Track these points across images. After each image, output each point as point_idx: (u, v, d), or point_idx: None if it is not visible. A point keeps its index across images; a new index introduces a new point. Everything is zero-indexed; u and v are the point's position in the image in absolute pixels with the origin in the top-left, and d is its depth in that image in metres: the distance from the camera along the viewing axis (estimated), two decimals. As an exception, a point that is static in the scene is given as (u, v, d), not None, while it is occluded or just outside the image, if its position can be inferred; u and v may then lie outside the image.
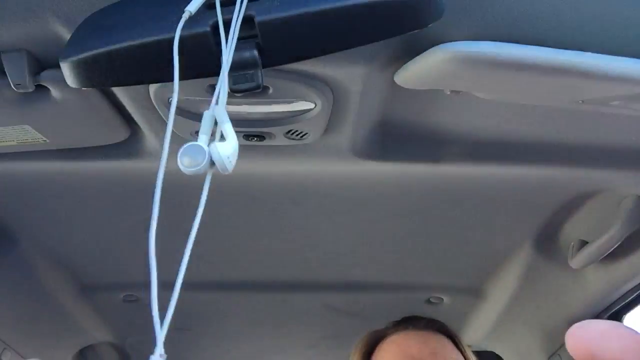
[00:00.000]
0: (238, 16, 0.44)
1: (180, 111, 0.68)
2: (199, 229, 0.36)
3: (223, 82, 0.42)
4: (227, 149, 0.39)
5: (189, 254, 0.35)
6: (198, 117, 0.42)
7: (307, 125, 0.72)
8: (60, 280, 1.22)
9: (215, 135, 0.40)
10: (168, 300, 0.34)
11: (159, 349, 0.31)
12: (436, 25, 0.50)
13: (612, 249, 0.96)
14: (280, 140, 0.75)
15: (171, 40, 0.44)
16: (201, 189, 0.38)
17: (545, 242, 1.06)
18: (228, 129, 0.40)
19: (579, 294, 1.13)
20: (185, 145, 0.38)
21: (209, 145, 0.39)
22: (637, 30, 0.59)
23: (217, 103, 0.41)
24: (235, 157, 0.40)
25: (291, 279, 1.25)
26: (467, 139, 0.79)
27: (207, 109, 0.41)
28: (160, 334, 0.32)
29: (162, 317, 0.33)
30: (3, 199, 0.94)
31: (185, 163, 0.38)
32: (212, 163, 0.39)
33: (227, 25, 0.45)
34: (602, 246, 0.96)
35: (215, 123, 0.41)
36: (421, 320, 1.08)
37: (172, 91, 0.42)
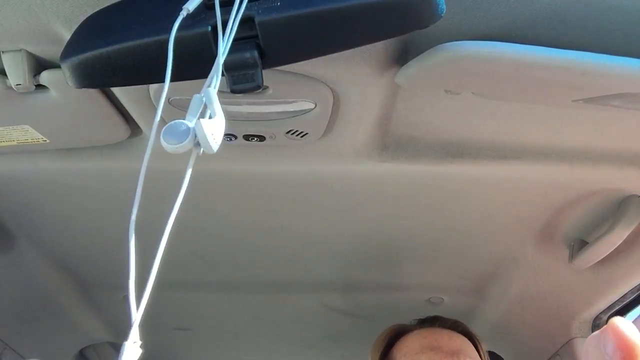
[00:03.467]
0: (237, 11, 0.44)
1: (180, 111, 0.68)
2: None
3: (217, 67, 0.42)
4: (212, 126, 0.38)
5: (165, 241, 0.35)
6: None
7: (307, 125, 0.72)
8: (60, 280, 1.22)
9: (205, 116, 0.40)
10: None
11: (134, 333, 0.31)
12: (436, 25, 0.50)
13: (612, 249, 0.96)
14: (280, 140, 0.75)
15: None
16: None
17: (545, 242, 1.06)
18: (216, 107, 0.40)
19: (579, 294, 1.13)
20: (169, 123, 0.38)
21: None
22: (637, 29, 0.59)
23: (209, 86, 0.41)
24: (221, 136, 0.39)
25: (291, 279, 1.25)
26: (467, 139, 0.79)
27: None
28: (137, 316, 0.31)
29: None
30: (3, 199, 0.94)
31: (169, 141, 0.37)
32: (197, 144, 0.38)
33: (227, 25, 0.45)
34: (602, 246, 0.96)
35: (205, 107, 0.40)
36: (448, 320, 1.10)
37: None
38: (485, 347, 1.10)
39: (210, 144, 0.38)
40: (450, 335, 1.04)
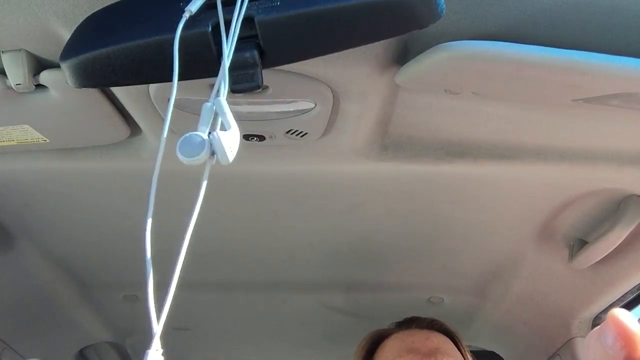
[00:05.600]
0: (239, 15, 0.44)
1: (181, 111, 0.68)
2: (199, 229, 0.36)
3: (224, 75, 0.42)
4: (229, 139, 0.39)
5: (185, 248, 0.35)
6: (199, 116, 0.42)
7: (307, 125, 0.72)
8: (60, 280, 1.22)
9: (217, 126, 0.40)
10: (164, 299, 0.34)
11: (156, 342, 0.31)
12: (436, 25, 0.50)
13: (612, 249, 0.96)
14: (280, 140, 0.75)
15: (171, 40, 0.44)
16: (199, 188, 0.38)
17: (545, 241, 1.06)
18: (229, 118, 0.40)
19: (579, 293, 1.13)
20: (185, 135, 0.38)
21: (209, 135, 0.38)
22: (637, 29, 0.59)
23: (217, 96, 0.41)
24: (237, 147, 0.40)
25: (291, 279, 1.25)
26: (467, 138, 0.79)
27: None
28: (158, 328, 0.32)
29: (159, 315, 0.33)
30: (3, 199, 0.94)
31: (185, 153, 0.37)
32: (211, 154, 0.38)
33: (228, 25, 0.45)
34: (602, 246, 0.96)
35: (216, 116, 0.41)
36: (424, 319, 1.10)
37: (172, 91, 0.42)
38: (464, 343, 1.10)
39: (228, 156, 0.38)
40: (427, 335, 1.04)
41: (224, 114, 0.40)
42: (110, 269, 1.18)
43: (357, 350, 1.12)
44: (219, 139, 0.38)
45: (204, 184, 0.38)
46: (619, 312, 0.26)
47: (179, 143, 0.38)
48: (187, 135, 0.38)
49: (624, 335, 0.25)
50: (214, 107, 0.40)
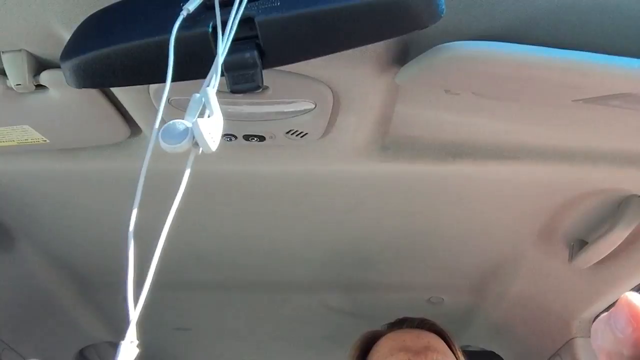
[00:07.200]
0: (236, 13, 0.44)
1: (180, 111, 0.68)
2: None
3: (216, 67, 0.42)
4: (210, 125, 0.38)
5: (163, 240, 0.35)
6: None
7: (307, 125, 0.72)
8: (60, 280, 1.23)
9: (204, 116, 0.39)
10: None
11: (131, 332, 0.31)
12: (436, 25, 0.50)
13: (612, 249, 0.96)
14: (280, 140, 0.75)
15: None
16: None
17: (545, 242, 1.06)
18: (214, 106, 0.39)
19: (579, 294, 1.13)
20: (167, 123, 0.38)
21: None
22: (637, 29, 0.59)
23: (208, 86, 0.41)
24: (219, 134, 0.39)
25: (291, 279, 1.25)
26: (467, 139, 0.79)
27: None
28: (134, 314, 0.31)
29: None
30: (3, 199, 0.94)
31: (168, 141, 0.37)
32: (196, 144, 0.38)
33: (226, 25, 0.45)
34: (602, 246, 0.96)
35: (205, 107, 0.40)
36: (415, 319, 1.12)
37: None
38: (455, 341, 1.11)
39: (209, 143, 0.38)
40: (418, 334, 1.06)
41: (208, 102, 0.39)
42: (111, 269, 1.18)
43: (351, 351, 1.14)
44: (199, 126, 0.37)
45: (187, 171, 0.37)
46: (632, 295, 0.25)
47: (161, 131, 0.37)
48: (170, 123, 0.37)
49: (637, 318, 0.25)
50: (203, 98, 0.40)
